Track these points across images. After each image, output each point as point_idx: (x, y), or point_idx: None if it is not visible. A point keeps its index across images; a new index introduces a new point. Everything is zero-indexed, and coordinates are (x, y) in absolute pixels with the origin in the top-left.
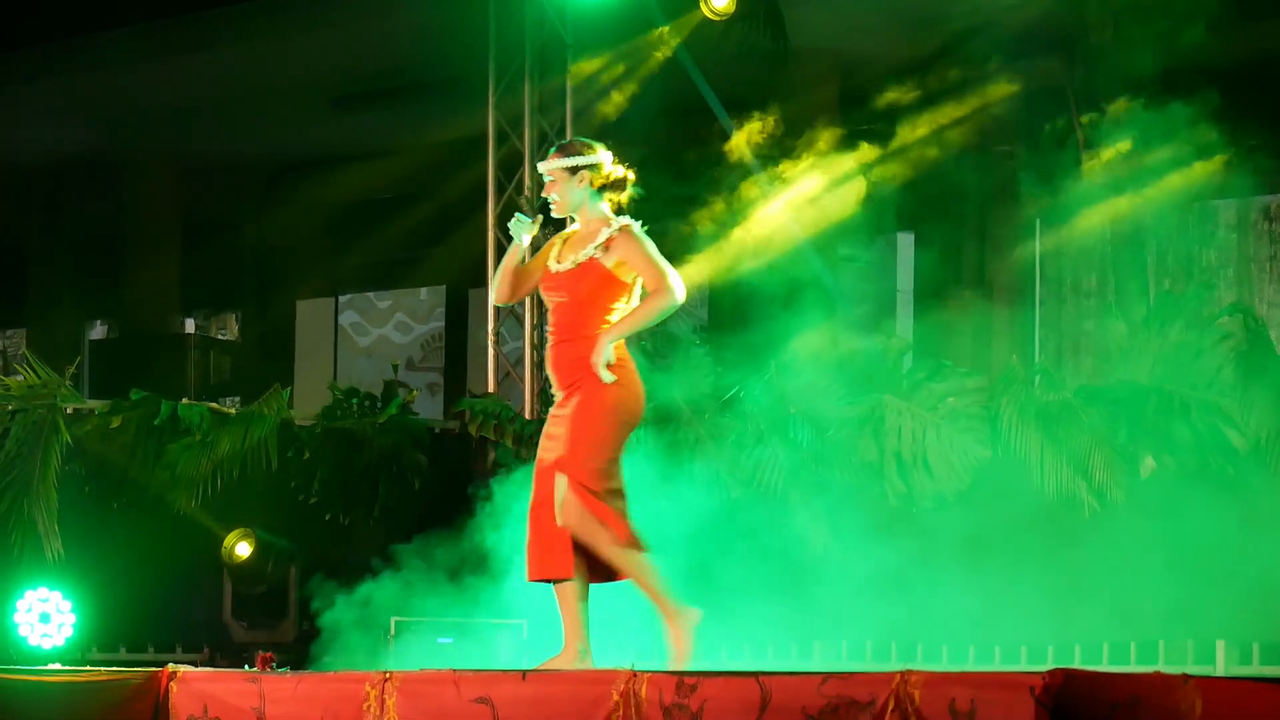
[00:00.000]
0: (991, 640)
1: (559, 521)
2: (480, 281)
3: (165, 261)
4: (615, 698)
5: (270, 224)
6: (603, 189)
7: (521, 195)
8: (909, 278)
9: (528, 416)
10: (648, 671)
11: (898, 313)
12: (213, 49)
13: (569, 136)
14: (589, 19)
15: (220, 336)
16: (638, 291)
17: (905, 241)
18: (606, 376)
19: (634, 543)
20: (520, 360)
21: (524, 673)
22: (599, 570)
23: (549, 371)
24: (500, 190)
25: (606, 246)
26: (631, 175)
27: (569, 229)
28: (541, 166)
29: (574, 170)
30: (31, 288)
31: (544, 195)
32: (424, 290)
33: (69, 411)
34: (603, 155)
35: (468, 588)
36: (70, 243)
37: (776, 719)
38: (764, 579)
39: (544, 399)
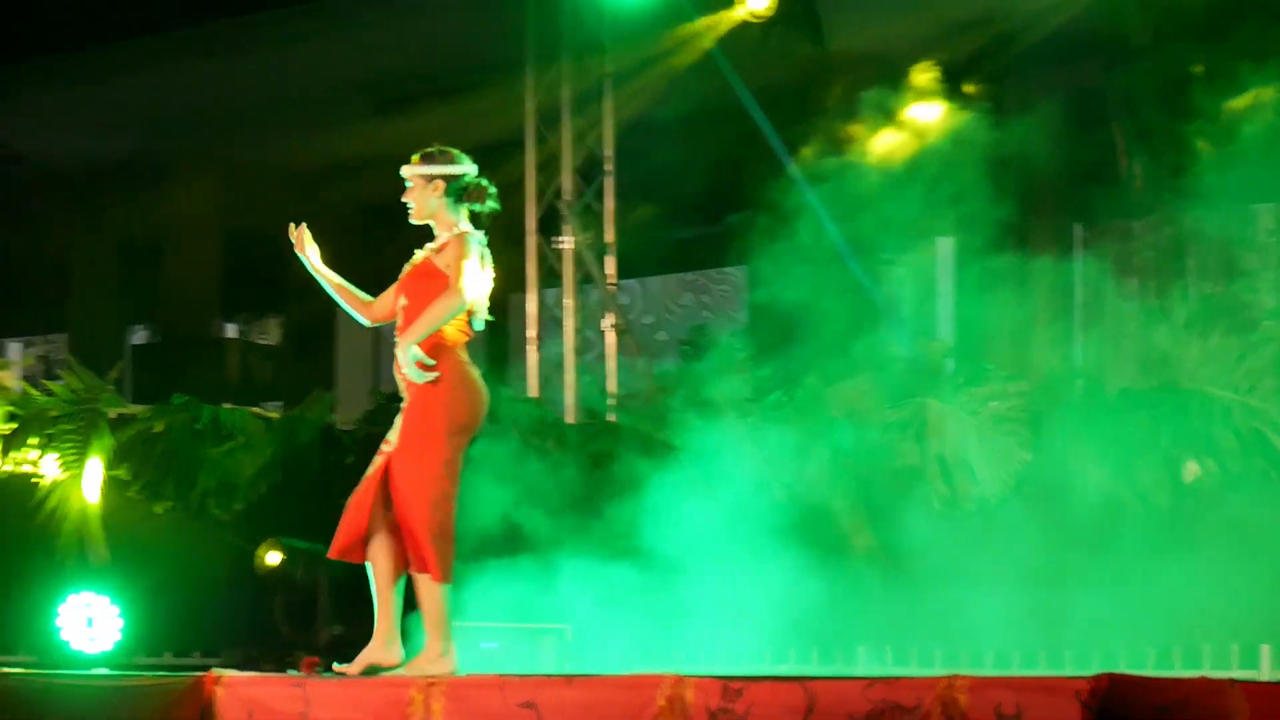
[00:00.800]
0: (1037, 644)
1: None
2: (520, 286)
3: (206, 265)
4: (661, 702)
5: (311, 227)
6: (461, 200)
7: (560, 198)
8: (949, 281)
9: (569, 420)
10: (694, 676)
11: (938, 316)
12: (253, 53)
13: (607, 138)
14: (626, 20)
15: (261, 341)
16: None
17: (945, 245)
18: (418, 376)
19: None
20: (561, 364)
21: (569, 677)
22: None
23: (396, 376)
24: (540, 192)
25: (440, 249)
26: (493, 189)
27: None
28: (402, 171)
29: (429, 178)
30: (74, 292)
31: (402, 200)
32: None
33: (112, 416)
34: (462, 166)
35: (511, 592)
36: (112, 247)
37: None
38: (807, 583)
39: (586, 402)
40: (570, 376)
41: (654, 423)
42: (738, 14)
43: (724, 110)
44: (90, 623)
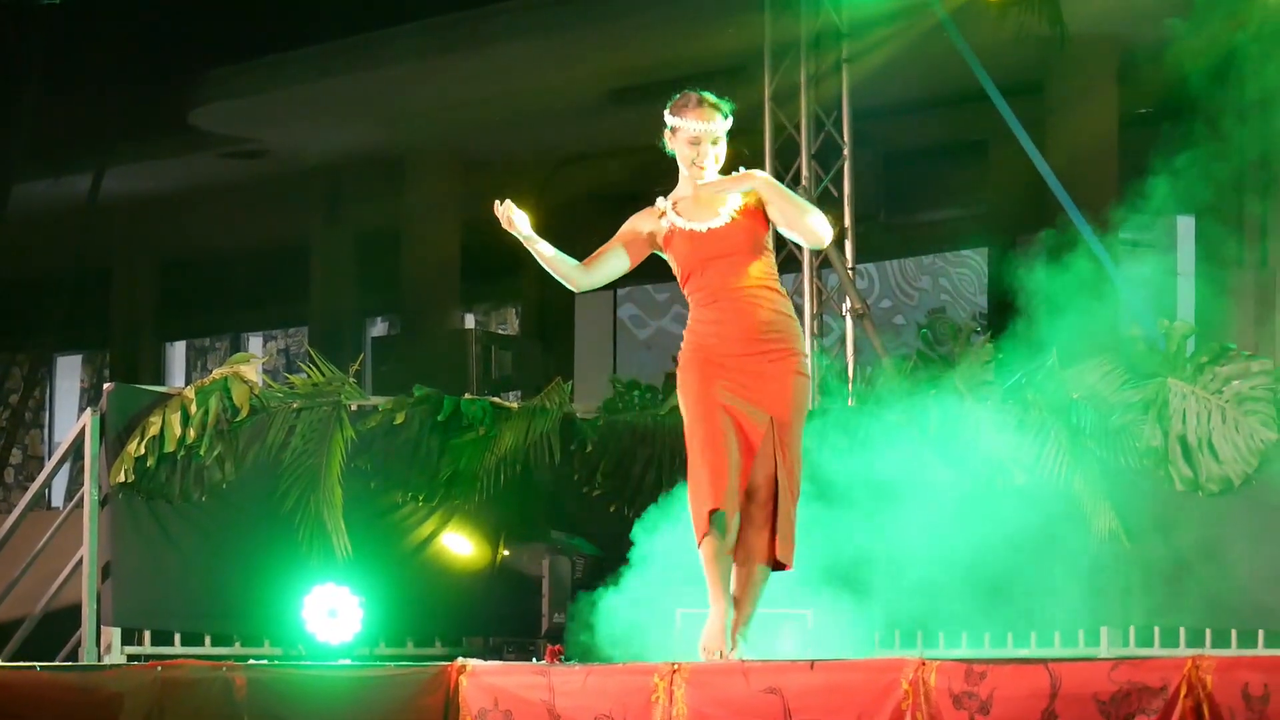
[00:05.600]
0: None
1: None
2: None
3: (445, 257)
4: (905, 686)
5: (549, 218)
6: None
7: (799, 185)
8: (1190, 261)
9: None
10: (936, 660)
11: (1179, 296)
12: (491, 45)
13: (845, 126)
14: (863, 4)
15: (500, 331)
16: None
17: (1185, 225)
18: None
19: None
20: None
21: (812, 662)
22: None
23: (718, 343)
24: (777, 178)
25: (744, 191)
26: None
27: (667, 201)
28: (720, 127)
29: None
30: (313, 285)
31: (708, 159)
32: None
33: (353, 408)
34: None
35: None
36: (351, 239)
37: (1067, 706)
38: (1049, 565)
39: (823, 389)
40: (810, 361)
41: (893, 406)
42: None
43: (963, 94)
44: (333, 614)
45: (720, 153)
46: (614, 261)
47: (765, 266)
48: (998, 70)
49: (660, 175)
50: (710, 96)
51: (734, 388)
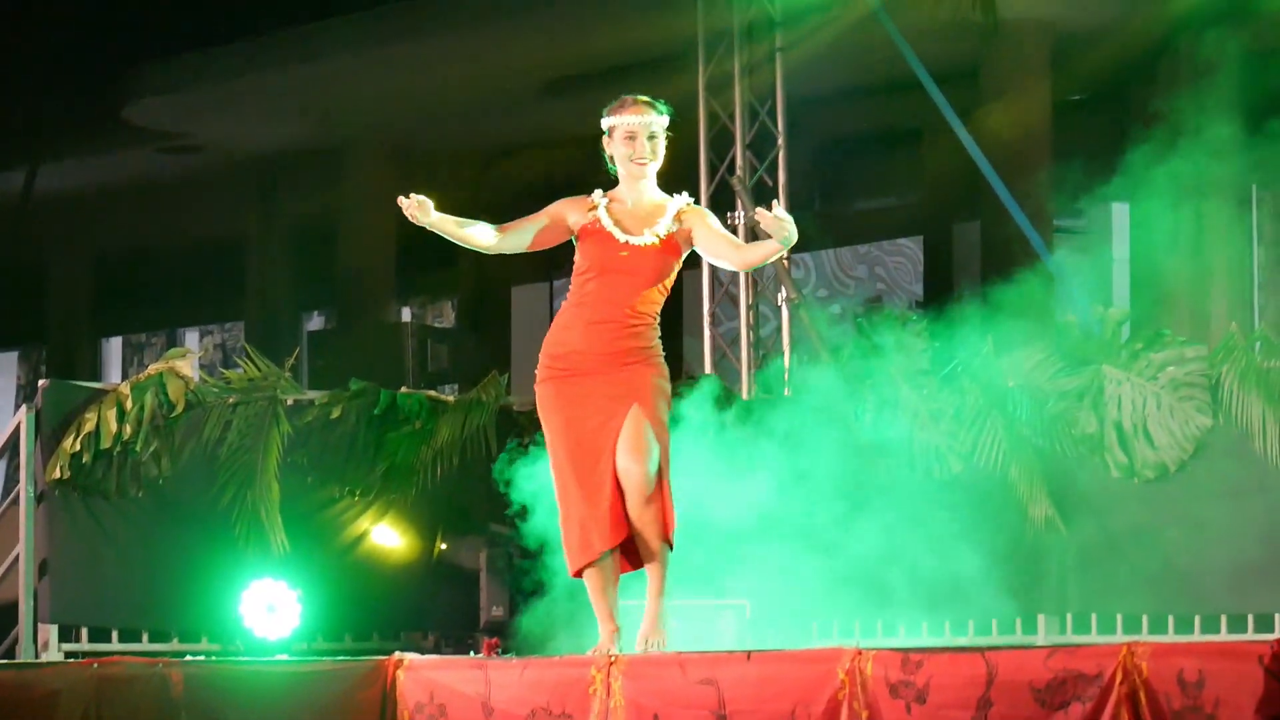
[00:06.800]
0: (1218, 609)
1: (643, 461)
2: (693, 263)
3: (380, 250)
4: (841, 676)
5: (485, 210)
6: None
7: (734, 175)
8: (1124, 247)
9: (745, 397)
10: (873, 649)
11: (1114, 282)
12: (425, 37)
13: (780, 115)
14: None
15: (436, 324)
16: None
17: (1120, 211)
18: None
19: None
20: (736, 340)
21: (749, 653)
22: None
23: (582, 345)
24: (712, 170)
25: (679, 219)
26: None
27: (603, 197)
28: (655, 122)
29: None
30: (249, 280)
31: (646, 153)
32: None
33: (289, 403)
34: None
35: (690, 569)
36: (286, 233)
37: (1003, 694)
38: (986, 553)
39: (760, 380)
40: (746, 352)
41: (830, 396)
42: None
43: (897, 82)
44: (271, 609)
45: (658, 149)
46: (522, 236)
47: (657, 297)
48: (931, 58)
49: (596, 170)
50: (644, 97)
51: (597, 398)
